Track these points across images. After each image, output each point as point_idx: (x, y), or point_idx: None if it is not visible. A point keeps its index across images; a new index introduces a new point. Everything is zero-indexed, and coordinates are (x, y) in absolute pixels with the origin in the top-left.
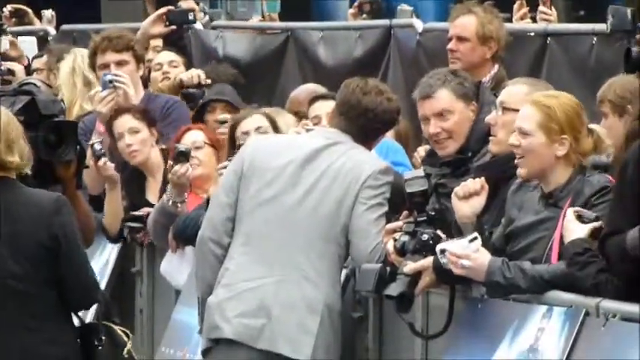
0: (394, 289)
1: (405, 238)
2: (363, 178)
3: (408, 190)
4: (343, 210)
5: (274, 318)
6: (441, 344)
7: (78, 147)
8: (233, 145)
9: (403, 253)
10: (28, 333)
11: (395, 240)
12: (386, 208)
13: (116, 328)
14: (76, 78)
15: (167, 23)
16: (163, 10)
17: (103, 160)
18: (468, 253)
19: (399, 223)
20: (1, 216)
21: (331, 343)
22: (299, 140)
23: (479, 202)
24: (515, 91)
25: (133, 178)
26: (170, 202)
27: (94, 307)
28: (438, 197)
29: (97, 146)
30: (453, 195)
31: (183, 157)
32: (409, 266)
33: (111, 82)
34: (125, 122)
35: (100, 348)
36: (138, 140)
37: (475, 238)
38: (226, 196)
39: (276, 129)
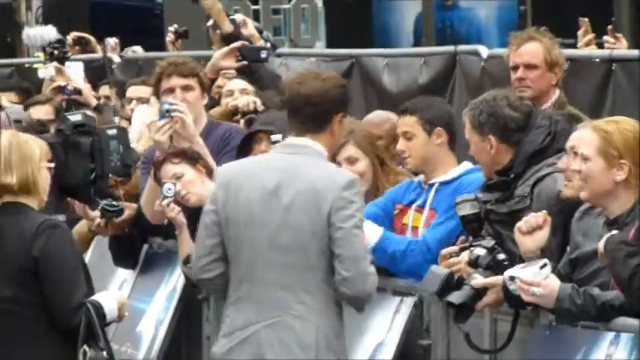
0: (457, 297)
1: (482, 252)
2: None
3: (459, 213)
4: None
5: None
6: None
7: None
8: None
9: (475, 266)
10: (15, 354)
11: (470, 251)
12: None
13: (83, 348)
14: None
15: (239, 58)
16: (237, 44)
17: (166, 200)
18: (539, 281)
19: (455, 248)
20: None
21: None
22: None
23: (542, 236)
24: (584, 135)
25: (193, 215)
26: None
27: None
28: (490, 223)
29: (167, 186)
30: (516, 230)
31: None
32: (478, 280)
33: (168, 111)
34: (167, 172)
35: None
36: (185, 184)
37: (545, 265)
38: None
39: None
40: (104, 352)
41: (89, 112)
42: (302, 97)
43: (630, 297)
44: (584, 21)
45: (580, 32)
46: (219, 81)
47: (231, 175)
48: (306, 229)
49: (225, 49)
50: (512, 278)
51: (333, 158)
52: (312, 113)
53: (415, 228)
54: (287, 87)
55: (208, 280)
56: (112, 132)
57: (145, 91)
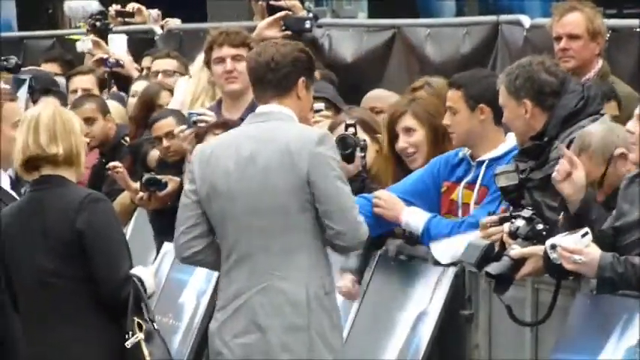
0: (495, 268)
1: (521, 222)
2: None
3: (498, 184)
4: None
5: (265, 328)
6: (551, 341)
7: None
8: None
9: (515, 237)
10: (58, 328)
11: (511, 222)
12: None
13: (136, 320)
14: (202, 73)
15: (283, 28)
16: (281, 14)
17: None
18: (580, 248)
19: (495, 218)
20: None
21: (326, 331)
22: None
23: (579, 176)
24: None
25: None
26: None
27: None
28: (528, 192)
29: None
30: (553, 181)
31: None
32: (516, 251)
33: (195, 122)
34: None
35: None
36: None
37: (586, 233)
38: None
39: (369, 129)
40: (154, 324)
41: None
42: (261, 64)
43: None
44: None
45: None
46: None
47: (208, 152)
48: (284, 190)
49: (270, 19)
50: (553, 247)
51: (391, 128)
52: (273, 79)
53: (465, 204)
54: (247, 59)
55: (189, 257)
56: None
57: (170, 63)
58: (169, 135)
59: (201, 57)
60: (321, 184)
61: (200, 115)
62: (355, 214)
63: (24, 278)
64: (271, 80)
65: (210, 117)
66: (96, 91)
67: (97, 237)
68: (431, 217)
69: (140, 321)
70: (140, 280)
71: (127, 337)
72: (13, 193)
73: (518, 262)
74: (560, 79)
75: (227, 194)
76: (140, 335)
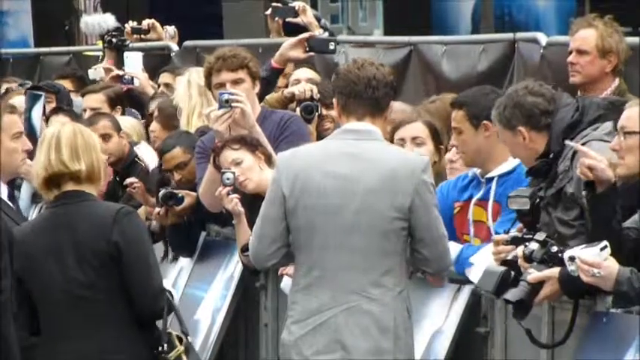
0: (513, 294)
1: (535, 246)
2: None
3: (511, 207)
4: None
5: (350, 348)
6: (567, 358)
7: None
8: None
9: (530, 261)
10: (92, 340)
11: (525, 246)
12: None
13: (174, 333)
14: (192, 90)
15: (307, 49)
16: (305, 35)
17: (226, 189)
18: (599, 262)
19: (506, 236)
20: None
21: (410, 348)
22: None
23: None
24: (633, 114)
25: (253, 202)
26: None
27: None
28: (545, 209)
29: (227, 175)
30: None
31: None
32: (533, 275)
33: (227, 101)
34: (226, 157)
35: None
36: (243, 170)
37: (605, 247)
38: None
39: (436, 138)
40: (187, 337)
41: None
42: (362, 80)
43: None
44: None
45: None
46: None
47: (297, 163)
48: (386, 213)
49: (294, 39)
50: (572, 259)
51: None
52: (372, 96)
53: (477, 222)
54: (344, 72)
55: (272, 265)
56: None
57: None
58: (179, 166)
59: (182, 80)
60: (421, 212)
61: (232, 94)
62: (445, 243)
63: (51, 294)
64: (369, 97)
65: (242, 97)
66: (106, 110)
67: (133, 248)
68: (463, 247)
69: (179, 334)
70: (170, 293)
71: (160, 349)
72: (10, 204)
73: (536, 286)
74: (548, 97)
75: (321, 209)
76: (181, 348)
